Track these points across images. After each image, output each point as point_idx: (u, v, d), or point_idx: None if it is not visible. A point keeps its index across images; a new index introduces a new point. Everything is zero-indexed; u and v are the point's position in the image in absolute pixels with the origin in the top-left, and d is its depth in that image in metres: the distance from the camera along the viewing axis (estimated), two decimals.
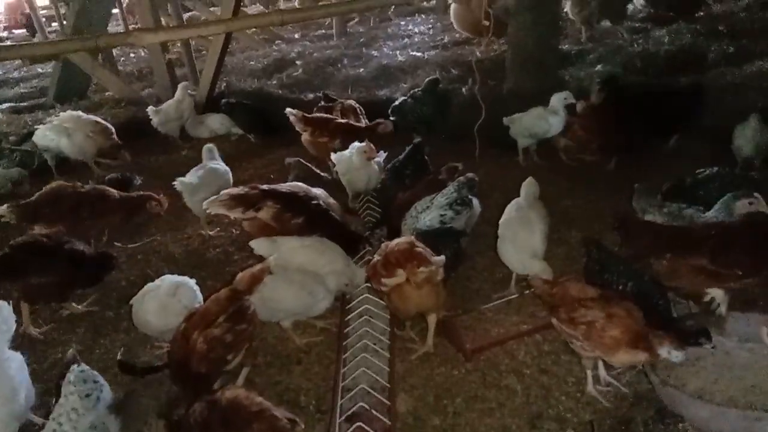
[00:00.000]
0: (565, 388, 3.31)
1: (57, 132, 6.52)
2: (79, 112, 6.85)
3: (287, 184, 4.74)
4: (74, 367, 2.83)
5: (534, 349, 3.61)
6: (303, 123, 6.04)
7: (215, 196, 4.27)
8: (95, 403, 2.74)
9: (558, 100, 5.75)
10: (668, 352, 2.92)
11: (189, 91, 7.75)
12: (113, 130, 6.82)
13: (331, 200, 4.64)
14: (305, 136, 6.07)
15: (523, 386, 3.35)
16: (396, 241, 3.57)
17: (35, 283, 4.05)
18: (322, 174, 5.57)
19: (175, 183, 5.06)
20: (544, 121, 5.83)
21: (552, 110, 5.80)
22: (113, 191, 5.00)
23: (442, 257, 3.46)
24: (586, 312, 3.13)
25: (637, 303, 3.16)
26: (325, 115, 6.34)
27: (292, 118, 6.05)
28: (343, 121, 6.20)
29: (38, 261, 4.05)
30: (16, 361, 3.12)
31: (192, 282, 3.84)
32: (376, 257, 3.56)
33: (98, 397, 2.77)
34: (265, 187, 4.40)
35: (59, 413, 2.71)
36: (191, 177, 5.18)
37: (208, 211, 4.31)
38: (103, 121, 6.85)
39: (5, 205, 4.71)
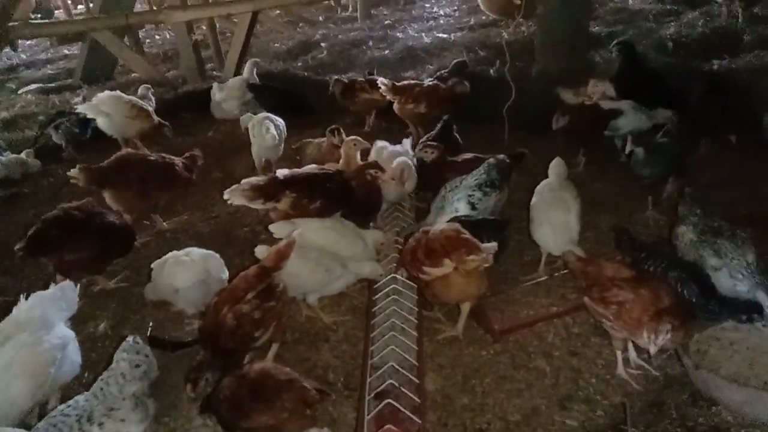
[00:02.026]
0: (594, 370, 3.30)
1: (94, 111, 6.53)
2: (118, 93, 6.79)
3: (306, 167, 4.73)
4: (130, 337, 2.90)
5: (563, 331, 3.59)
6: (392, 92, 6.30)
7: (236, 185, 4.22)
8: (142, 375, 2.81)
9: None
10: (648, 338, 2.90)
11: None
12: (151, 111, 6.78)
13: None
14: (395, 104, 6.33)
15: (553, 368, 3.33)
16: (440, 227, 3.48)
17: (70, 258, 4.11)
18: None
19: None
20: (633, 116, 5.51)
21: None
22: (180, 164, 5.10)
23: (494, 244, 3.39)
24: (618, 292, 3.10)
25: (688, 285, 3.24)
26: (411, 82, 6.56)
27: (383, 88, 6.30)
28: (427, 85, 6.43)
29: (71, 236, 4.09)
30: (66, 339, 3.20)
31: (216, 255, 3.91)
32: (411, 242, 3.51)
33: (145, 371, 2.83)
34: (282, 175, 4.38)
35: (108, 375, 2.80)
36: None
37: (229, 202, 4.22)
38: (140, 103, 6.77)
39: (76, 167, 4.74)
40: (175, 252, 3.85)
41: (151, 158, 5.04)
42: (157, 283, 3.78)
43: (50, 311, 3.21)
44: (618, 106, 5.51)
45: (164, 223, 5.25)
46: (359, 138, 4.77)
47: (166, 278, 3.71)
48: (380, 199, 4.51)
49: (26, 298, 3.29)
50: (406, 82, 6.59)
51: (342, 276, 3.81)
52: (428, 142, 5.11)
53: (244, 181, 4.25)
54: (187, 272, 3.67)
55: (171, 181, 5.04)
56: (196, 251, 3.86)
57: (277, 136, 5.73)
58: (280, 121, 6.01)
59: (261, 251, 3.59)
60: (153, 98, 7.40)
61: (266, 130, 5.68)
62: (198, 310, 3.85)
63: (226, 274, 3.85)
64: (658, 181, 4.72)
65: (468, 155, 4.95)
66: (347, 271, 3.83)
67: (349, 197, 4.34)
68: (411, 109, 6.25)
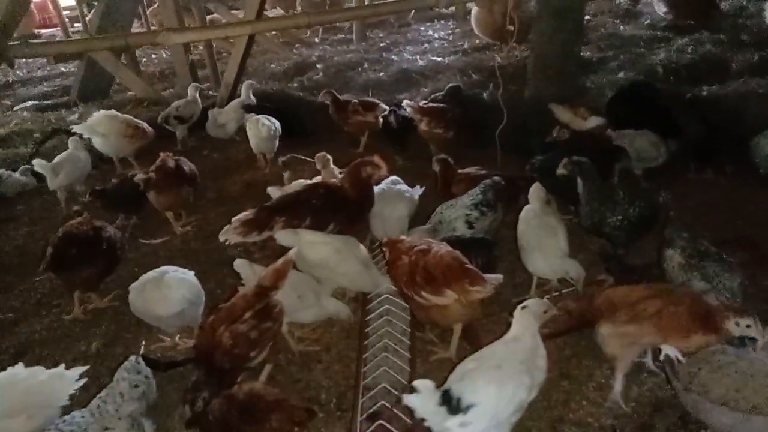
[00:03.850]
0: (586, 393, 3.31)
1: (90, 132, 6.56)
2: (113, 112, 6.86)
3: (293, 187, 4.81)
4: (132, 357, 2.92)
5: (555, 354, 3.58)
6: (420, 113, 6.32)
7: (228, 226, 4.21)
8: (140, 396, 2.82)
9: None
10: (737, 324, 2.95)
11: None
12: (146, 127, 6.89)
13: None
14: (421, 126, 6.32)
15: (544, 390, 3.30)
16: (439, 252, 3.42)
17: (85, 275, 4.20)
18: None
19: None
20: (655, 147, 5.56)
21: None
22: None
23: (499, 276, 3.38)
24: (649, 303, 3.09)
25: None
26: (441, 106, 6.54)
27: (409, 109, 6.36)
28: (458, 111, 6.43)
29: (88, 253, 4.18)
30: None
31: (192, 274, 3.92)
32: (405, 259, 3.49)
33: (144, 392, 2.84)
34: (270, 203, 4.41)
35: (107, 393, 2.83)
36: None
37: (227, 243, 4.23)
38: (135, 121, 6.86)
39: (139, 174, 5.29)
40: (151, 274, 3.82)
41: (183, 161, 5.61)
42: (136, 306, 3.78)
43: (38, 401, 2.97)
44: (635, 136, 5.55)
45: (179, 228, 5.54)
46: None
47: (148, 305, 3.72)
48: (373, 197, 4.50)
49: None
50: (435, 104, 6.62)
51: (314, 306, 3.77)
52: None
53: (234, 219, 4.24)
54: (168, 302, 3.68)
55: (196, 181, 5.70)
56: (172, 274, 3.81)
57: (272, 128, 6.48)
58: (274, 120, 6.64)
59: (239, 264, 3.69)
60: (253, 97, 7.70)
61: (261, 124, 6.46)
62: (176, 330, 3.92)
63: (202, 295, 3.91)
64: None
65: (473, 169, 5.06)
66: (320, 303, 3.79)
67: (339, 206, 4.37)
68: (439, 133, 6.26)
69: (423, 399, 2.61)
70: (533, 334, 2.90)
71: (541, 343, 2.92)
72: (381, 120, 6.86)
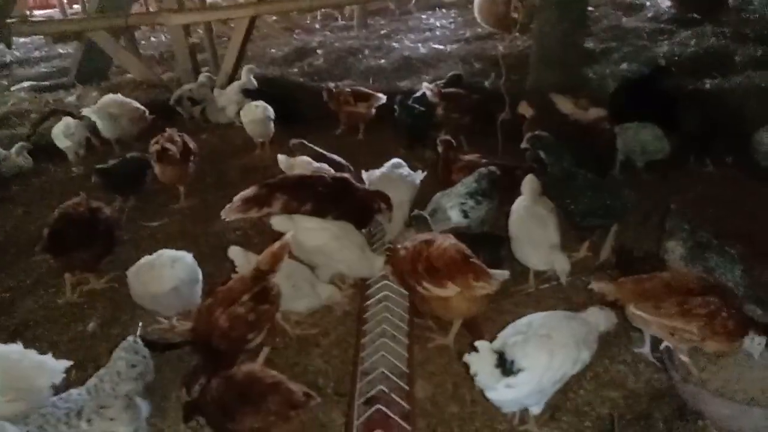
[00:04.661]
0: (583, 382, 3.30)
1: (100, 114, 6.59)
2: (120, 96, 6.97)
3: (299, 162, 4.89)
4: (130, 337, 2.91)
5: None
6: (438, 97, 6.35)
7: (229, 204, 4.23)
8: (137, 376, 2.80)
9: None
10: (752, 340, 2.94)
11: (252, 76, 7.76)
12: (146, 112, 7.05)
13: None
14: (438, 110, 6.36)
15: None
16: (442, 244, 3.38)
17: (84, 256, 4.17)
18: (327, 154, 5.52)
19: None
20: (659, 141, 5.50)
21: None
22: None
23: (506, 272, 3.36)
24: (707, 300, 2.98)
25: None
26: (460, 91, 6.58)
27: (428, 92, 6.38)
28: (476, 98, 6.50)
29: (87, 233, 4.16)
30: None
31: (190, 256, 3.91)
32: (409, 248, 3.47)
33: (141, 373, 2.82)
34: (272, 181, 4.40)
35: (104, 372, 2.80)
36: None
37: (226, 220, 4.26)
38: (141, 107, 7.02)
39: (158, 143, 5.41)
40: (147, 257, 3.83)
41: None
42: (132, 288, 3.77)
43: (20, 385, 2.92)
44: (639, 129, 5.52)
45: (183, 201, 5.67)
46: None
47: (142, 285, 3.71)
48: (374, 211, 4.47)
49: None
50: (454, 89, 6.61)
51: (309, 295, 3.76)
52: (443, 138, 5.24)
53: (235, 198, 4.25)
54: (161, 279, 3.67)
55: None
56: (167, 254, 3.81)
57: (265, 108, 6.48)
58: (265, 104, 6.61)
59: (234, 252, 3.69)
60: (254, 80, 7.67)
61: (255, 106, 6.48)
62: (176, 312, 3.89)
63: (200, 274, 3.89)
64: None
65: (474, 157, 5.05)
66: (314, 293, 3.79)
67: (342, 200, 4.35)
68: (456, 118, 6.30)
69: (481, 359, 2.75)
70: (591, 329, 3.00)
71: (596, 332, 3.00)
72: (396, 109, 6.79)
